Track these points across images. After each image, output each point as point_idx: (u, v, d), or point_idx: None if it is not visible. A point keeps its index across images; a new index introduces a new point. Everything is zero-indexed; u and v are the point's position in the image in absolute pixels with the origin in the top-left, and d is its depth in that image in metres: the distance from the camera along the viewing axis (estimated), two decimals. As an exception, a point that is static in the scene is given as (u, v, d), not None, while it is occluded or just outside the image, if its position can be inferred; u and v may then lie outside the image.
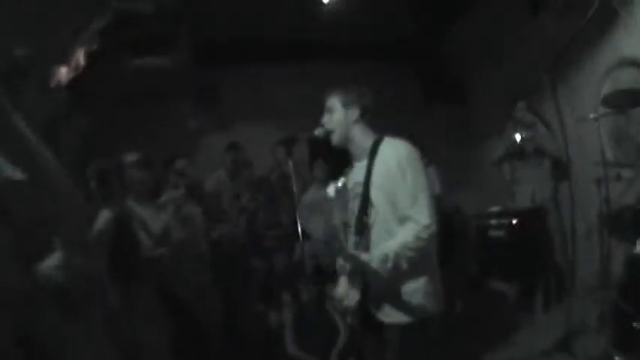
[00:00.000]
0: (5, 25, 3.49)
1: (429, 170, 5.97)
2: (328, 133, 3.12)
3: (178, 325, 4.57)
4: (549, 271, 5.68)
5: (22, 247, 2.35)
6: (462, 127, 8.65)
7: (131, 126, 6.89)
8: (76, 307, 2.63)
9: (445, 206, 6.49)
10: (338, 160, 3.43)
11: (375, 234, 2.98)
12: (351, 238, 3.03)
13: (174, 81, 7.15)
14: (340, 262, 3.03)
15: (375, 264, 2.79)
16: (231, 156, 6.55)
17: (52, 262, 2.45)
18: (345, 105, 3.08)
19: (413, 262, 2.83)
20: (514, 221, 5.80)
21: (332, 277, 3.34)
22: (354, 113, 3.08)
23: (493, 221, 6.08)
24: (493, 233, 6.03)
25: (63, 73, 4.38)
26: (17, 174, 2.32)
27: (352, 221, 3.09)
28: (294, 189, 3.30)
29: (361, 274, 2.91)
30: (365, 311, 2.98)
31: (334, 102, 3.11)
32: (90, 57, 4.81)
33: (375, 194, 2.96)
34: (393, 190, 2.92)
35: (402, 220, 2.90)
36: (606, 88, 5.41)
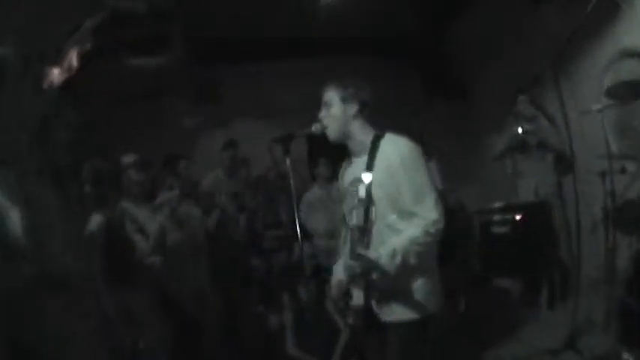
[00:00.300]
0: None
1: (430, 165, 5.97)
2: (325, 129, 3.09)
3: (177, 328, 4.56)
4: (554, 267, 5.66)
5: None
6: (463, 122, 8.61)
7: (127, 126, 6.90)
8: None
9: (447, 202, 6.45)
10: (340, 156, 3.39)
11: (377, 231, 2.96)
12: (352, 235, 2.99)
13: (171, 80, 7.15)
14: (348, 262, 2.98)
15: (383, 261, 2.78)
16: (229, 153, 6.53)
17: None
18: (343, 100, 3.05)
19: (422, 258, 2.84)
20: (517, 217, 5.78)
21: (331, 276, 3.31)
22: (353, 108, 3.05)
23: (496, 217, 6.04)
24: (496, 229, 5.99)
25: (56, 73, 4.35)
26: None
27: (352, 218, 3.06)
28: (292, 188, 3.27)
29: (366, 273, 2.88)
30: (367, 310, 2.96)
31: (331, 96, 3.08)
32: (83, 57, 4.78)
33: (376, 191, 2.93)
34: (395, 187, 2.90)
35: (406, 216, 2.90)
36: (608, 80, 5.39)
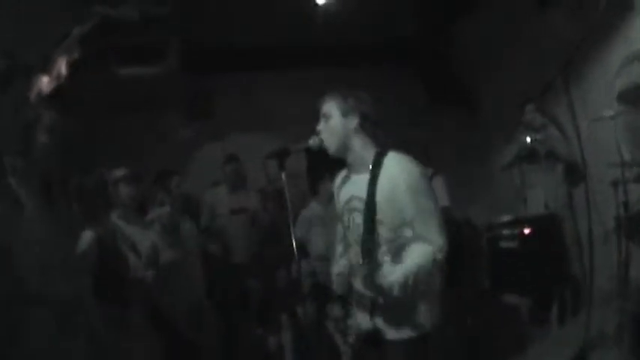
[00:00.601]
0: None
1: (436, 180, 5.97)
2: (323, 142, 3.08)
3: (171, 349, 4.55)
4: (564, 282, 5.64)
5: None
6: (469, 132, 8.59)
7: (118, 138, 6.90)
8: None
9: (453, 217, 6.45)
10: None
11: (381, 253, 2.98)
12: (362, 262, 2.98)
13: (164, 90, 7.17)
14: (360, 288, 3.00)
15: (396, 291, 2.77)
16: (232, 167, 6.56)
17: None
18: (343, 112, 3.03)
19: (428, 281, 2.89)
20: (526, 231, 5.74)
21: (332, 295, 3.32)
22: (353, 121, 3.04)
23: (504, 231, 6.01)
24: (504, 244, 5.96)
25: (44, 82, 4.37)
26: None
27: (352, 237, 3.09)
28: (288, 204, 3.24)
29: (374, 298, 2.93)
30: (372, 331, 3.00)
31: (330, 108, 3.07)
32: (72, 66, 4.80)
33: (378, 212, 2.94)
34: (399, 211, 2.92)
35: (411, 240, 2.93)
36: (620, 85, 5.38)
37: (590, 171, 4.89)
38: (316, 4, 6.88)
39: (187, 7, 6.41)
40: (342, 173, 3.28)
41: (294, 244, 3.23)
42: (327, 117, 3.06)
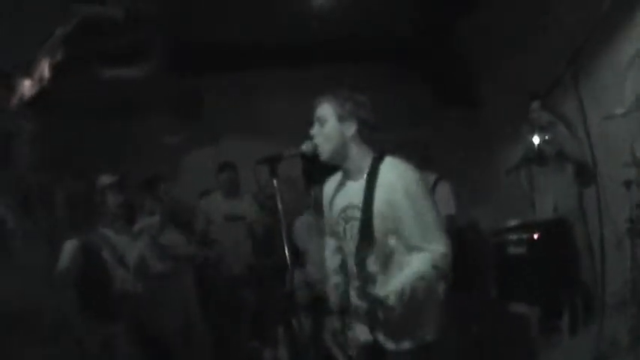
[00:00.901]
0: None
1: (442, 185, 5.97)
2: (317, 148, 3.03)
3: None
4: (576, 289, 5.62)
5: None
6: (473, 131, 8.58)
7: (103, 143, 6.88)
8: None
9: (459, 222, 6.44)
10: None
11: (377, 264, 2.97)
12: (357, 272, 3.00)
13: (151, 93, 7.15)
14: (355, 300, 3.00)
15: (392, 301, 2.75)
16: (226, 175, 6.56)
17: None
18: (340, 118, 2.99)
19: (429, 292, 2.87)
20: (535, 235, 5.74)
21: (329, 307, 3.32)
22: (350, 128, 3.00)
23: (512, 236, 6.01)
24: (512, 250, 5.97)
25: (26, 86, 4.37)
26: None
27: (347, 248, 3.09)
28: (281, 213, 3.19)
29: (372, 310, 2.90)
30: (372, 344, 3.00)
31: (326, 112, 3.02)
32: (55, 68, 4.80)
33: (376, 221, 2.93)
34: (397, 219, 2.90)
35: (410, 249, 2.91)
36: (632, 80, 5.36)
37: (601, 171, 4.89)
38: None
39: (175, 3, 6.39)
40: (335, 179, 3.25)
41: (287, 253, 3.21)
42: (322, 121, 3.02)
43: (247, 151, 6.69)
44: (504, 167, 6.94)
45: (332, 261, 3.40)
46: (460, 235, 6.35)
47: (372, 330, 2.94)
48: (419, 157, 5.58)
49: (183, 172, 7.71)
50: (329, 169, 3.23)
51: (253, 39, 7.75)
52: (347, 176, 3.13)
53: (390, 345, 2.97)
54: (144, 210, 5.37)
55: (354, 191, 3.03)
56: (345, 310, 3.16)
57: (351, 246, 3.05)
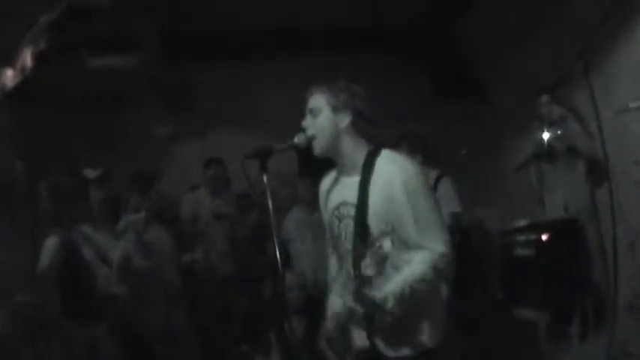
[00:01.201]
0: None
1: (444, 182, 5.95)
2: (310, 141, 2.99)
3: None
4: (587, 293, 5.61)
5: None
6: (479, 127, 8.54)
7: (88, 136, 6.85)
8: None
9: (464, 222, 6.42)
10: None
11: (374, 264, 2.90)
12: (353, 273, 2.94)
13: (139, 83, 7.12)
14: (350, 303, 2.95)
15: (389, 303, 2.72)
16: (212, 171, 6.52)
17: None
18: (334, 109, 2.95)
19: (429, 294, 2.85)
20: (544, 236, 5.73)
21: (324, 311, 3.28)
22: (345, 119, 2.95)
23: (520, 237, 6.01)
24: (520, 252, 5.96)
25: (8, 75, 4.35)
26: None
27: (342, 248, 3.06)
28: (271, 210, 3.14)
29: (369, 313, 2.86)
30: (370, 350, 2.96)
31: (319, 102, 2.98)
32: (38, 57, 4.77)
33: (372, 219, 2.89)
34: (395, 216, 2.86)
35: (409, 248, 2.88)
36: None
37: (613, 169, 4.87)
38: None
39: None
40: (331, 175, 3.22)
41: (277, 253, 3.17)
42: (315, 113, 2.98)
43: (238, 143, 6.70)
44: (512, 164, 6.93)
45: (332, 263, 3.37)
46: (464, 236, 6.33)
47: (369, 335, 2.91)
48: (421, 153, 5.59)
49: (171, 165, 7.67)
50: (325, 163, 3.19)
51: (245, 27, 7.72)
52: (341, 172, 3.10)
53: (388, 351, 2.92)
54: (129, 207, 5.34)
55: (348, 188, 3.00)
56: (343, 316, 3.11)
57: (345, 245, 3.02)
